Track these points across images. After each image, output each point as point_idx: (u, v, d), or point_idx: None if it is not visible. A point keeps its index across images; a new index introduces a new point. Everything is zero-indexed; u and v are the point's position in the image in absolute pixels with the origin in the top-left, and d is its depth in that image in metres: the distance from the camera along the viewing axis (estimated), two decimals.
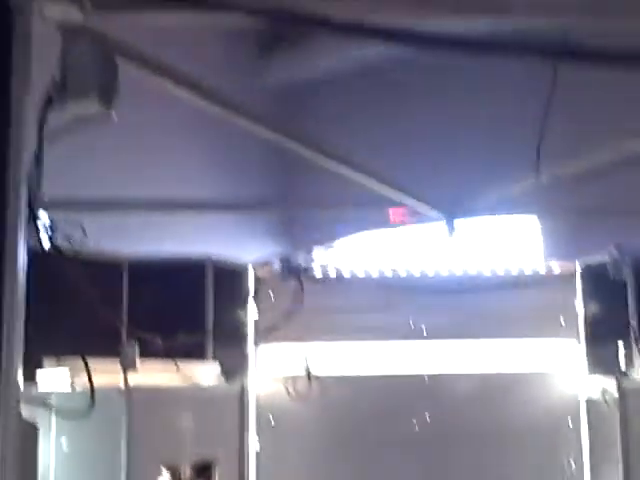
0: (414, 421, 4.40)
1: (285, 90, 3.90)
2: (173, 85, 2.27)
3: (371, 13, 1.92)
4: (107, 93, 1.79)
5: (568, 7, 1.91)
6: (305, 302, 4.19)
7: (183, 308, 4.15)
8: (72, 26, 1.75)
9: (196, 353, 4.20)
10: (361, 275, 4.60)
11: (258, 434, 4.46)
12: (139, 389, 3.70)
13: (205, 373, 4.20)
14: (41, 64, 1.71)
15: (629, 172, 2.81)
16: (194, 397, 4.07)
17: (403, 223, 3.57)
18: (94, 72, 1.77)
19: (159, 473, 3.79)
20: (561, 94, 2.59)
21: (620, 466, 4.04)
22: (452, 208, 3.14)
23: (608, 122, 3.23)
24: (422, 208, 3.11)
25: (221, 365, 4.33)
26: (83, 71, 1.77)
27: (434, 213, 3.16)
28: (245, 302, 4.46)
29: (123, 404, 3.59)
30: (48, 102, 1.73)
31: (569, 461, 4.44)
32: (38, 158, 1.68)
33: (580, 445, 4.45)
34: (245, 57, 3.77)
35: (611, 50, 1.96)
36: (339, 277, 4.60)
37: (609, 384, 4.15)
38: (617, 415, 4.04)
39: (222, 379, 4.34)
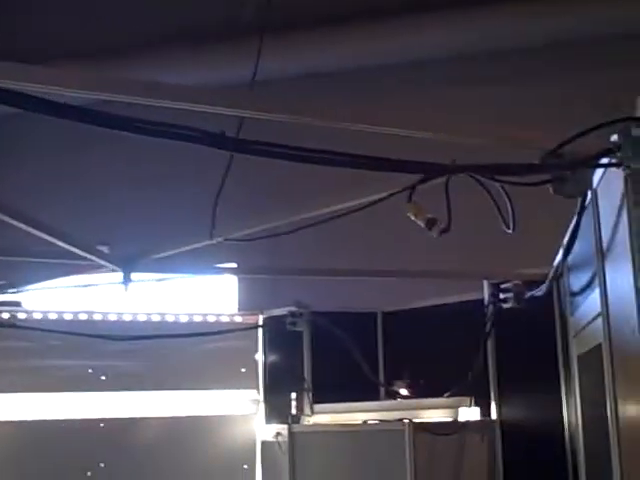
0: (89, 467, 4.32)
1: None
2: None
3: None
4: None
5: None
6: None
7: None
8: None
9: None
10: (40, 318, 4.45)
11: None
12: None
13: None
14: None
15: (302, 234, 2.98)
16: None
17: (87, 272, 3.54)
18: None
19: None
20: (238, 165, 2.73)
21: None
22: (128, 263, 3.17)
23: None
24: (98, 262, 3.10)
25: None
26: None
27: (110, 267, 3.17)
28: None
29: None
30: None
31: None
32: None
33: None
34: None
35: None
36: (15, 319, 4.39)
37: (282, 429, 4.42)
38: (287, 458, 4.29)
39: None
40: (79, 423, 4.40)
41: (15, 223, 2.59)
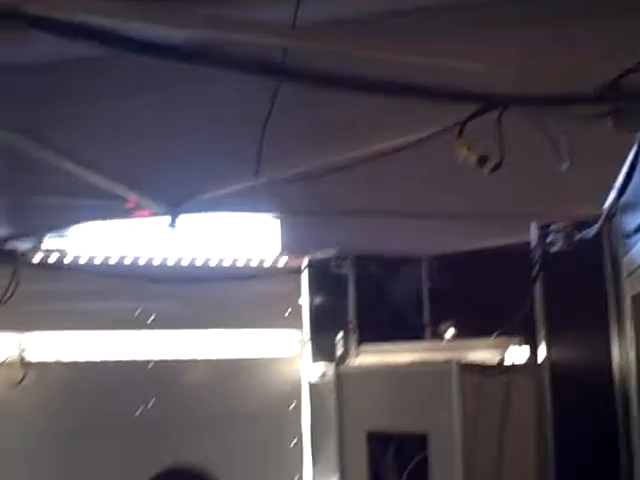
0: (138, 407, 4.38)
1: None
2: None
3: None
4: None
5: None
6: (23, 289, 4.02)
7: None
8: None
9: None
10: (85, 262, 4.48)
11: None
12: None
13: None
14: None
15: (347, 175, 2.94)
16: None
17: (136, 215, 3.54)
18: None
19: None
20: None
21: (336, 442, 4.32)
22: (175, 203, 3.16)
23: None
24: (145, 203, 3.10)
25: None
26: None
27: (158, 208, 3.16)
28: None
29: None
30: None
31: (292, 441, 4.68)
32: None
33: (302, 426, 4.70)
34: None
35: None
36: (62, 264, 4.43)
37: (328, 369, 4.44)
38: (333, 399, 4.31)
39: None
40: (127, 364, 4.46)
41: (65, 164, 2.61)
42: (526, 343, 4.03)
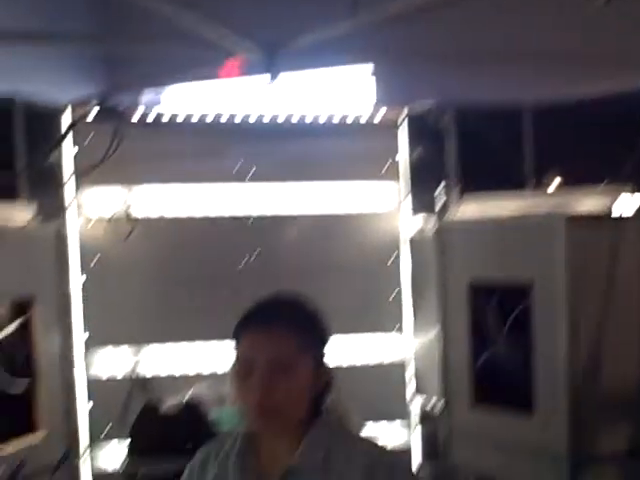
0: (240, 262, 4.47)
1: None
2: None
3: None
4: None
5: None
6: (127, 146, 4.03)
7: None
8: None
9: (7, 194, 4.00)
10: (184, 119, 4.46)
11: (80, 276, 4.41)
12: None
13: (18, 214, 4.03)
14: None
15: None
16: (7, 237, 3.90)
17: (231, 69, 3.48)
18: None
19: None
20: None
21: (436, 298, 4.34)
22: (271, 49, 3.07)
23: None
24: (241, 48, 3.01)
25: (38, 207, 4.18)
26: None
27: (254, 53, 3.07)
28: (60, 143, 4.25)
29: None
30: None
31: (391, 295, 4.70)
32: None
33: (401, 281, 4.71)
34: None
35: None
36: (162, 121, 4.43)
37: (429, 223, 4.40)
38: (434, 252, 4.28)
39: (38, 220, 4.20)
40: (229, 220, 4.52)
41: (162, 8, 2.54)
42: (638, 191, 3.85)
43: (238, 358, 1.66)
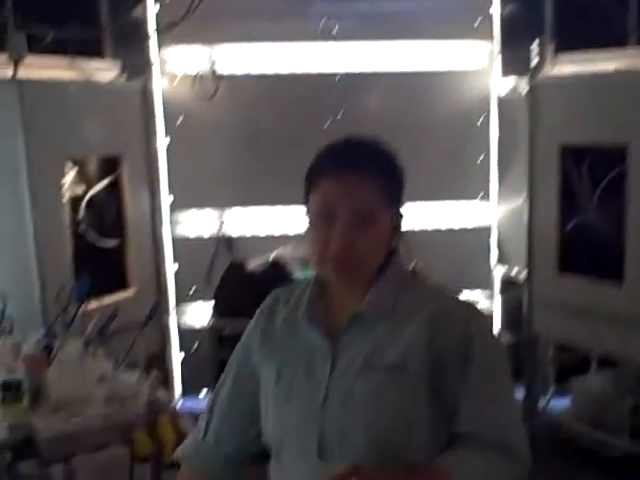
0: (325, 119, 4.38)
1: None
2: None
3: None
4: None
5: None
6: (209, 4, 3.95)
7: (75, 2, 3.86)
8: None
9: (92, 50, 3.99)
10: None
11: (165, 132, 4.41)
12: (32, 82, 3.44)
13: (103, 70, 4.03)
14: None
15: None
16: (93, 93, 3.91)
17: None
18: None
19: (63, 167, 3.78)
20: None
21: (525, 162, 4.21)
22: None
23: None
24: None
25: (123, 65, 4.17)
26: None
27: None
28: None
29: (15, 96, 3.38)
30: None
31: (479, 158, 4.58)
32: None
33: (489, 142, 4.58)
34: None
35: None
36: None
37: (520, 82, 4.22)
38: (526, 112, 4.12)
39: (124, 77, 4.19)
40: (315, 77, 4.42)
41: None
42: None
43: (314, 206, 1.50)
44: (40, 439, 2.07)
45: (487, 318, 1.55)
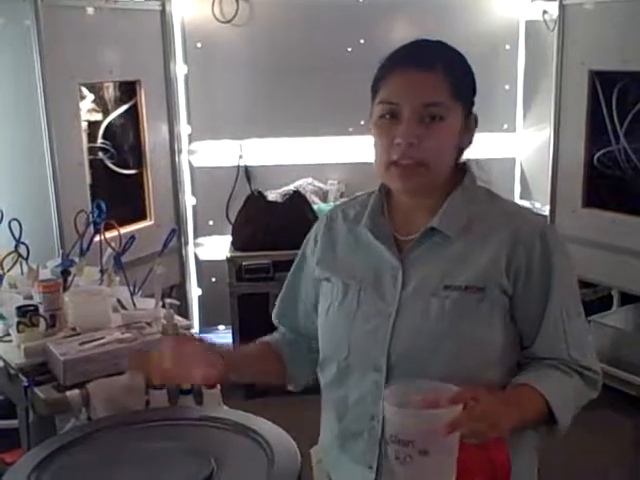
0: (348, 44, 4.28)
1: None
2: None
3: None
4: None
5: None
6: None
7: None
8: None
9: None
10: None
11: (185, 57, 4.33)
12: (49, 5, 3.34)
13: None
14: None
15: None
16: (111, 14, 3.81)
17: None
18: None
19: (80, 92, 3.71)
20: None
21: (554, 84, 4.05)
22: None
23: None
24: None
25: None
26: None
27: None
28: None
29: (32, 18, 3.32)
30: None
31: (505, 85, 4.46)
32: None
33: (517, 70, 4.45)
34: None
35: None
36: None
37: (550, 5, 4.06)
38: (555, 37, 3.96)
39: None
40: (339, 0, 4.29)
41: None
42: None
43: (382, 103, 1.41)
44: (56, 364, 2.06)
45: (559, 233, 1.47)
